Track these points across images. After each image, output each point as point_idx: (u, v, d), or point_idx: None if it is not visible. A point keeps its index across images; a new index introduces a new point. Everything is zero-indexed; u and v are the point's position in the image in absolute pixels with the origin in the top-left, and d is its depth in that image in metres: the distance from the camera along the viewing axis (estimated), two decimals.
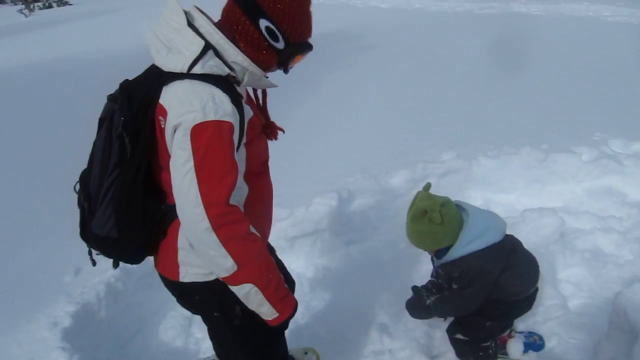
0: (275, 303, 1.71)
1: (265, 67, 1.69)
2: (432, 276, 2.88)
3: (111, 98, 1.70)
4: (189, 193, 1.52)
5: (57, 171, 4.80)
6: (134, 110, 1.60)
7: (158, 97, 1.59)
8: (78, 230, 1.84)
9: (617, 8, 10.90)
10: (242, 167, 1.68)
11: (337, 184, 3.91)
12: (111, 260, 1.93)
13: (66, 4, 30.36)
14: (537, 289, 2.66)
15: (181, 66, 1.53)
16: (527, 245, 3.25)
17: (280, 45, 1.65)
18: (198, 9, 1.65)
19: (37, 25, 16.68)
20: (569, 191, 4.09)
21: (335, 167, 4.15)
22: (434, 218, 2.26)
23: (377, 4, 15.74)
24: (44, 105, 7.12)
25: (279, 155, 4.63)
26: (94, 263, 1.94)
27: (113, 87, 1.71)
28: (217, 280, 1.71)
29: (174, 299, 3.12)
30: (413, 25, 11.45)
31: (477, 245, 2.35)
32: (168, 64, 1.56)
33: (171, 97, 1.56)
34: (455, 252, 2.37)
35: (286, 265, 3.55)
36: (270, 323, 1.75)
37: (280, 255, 3.54)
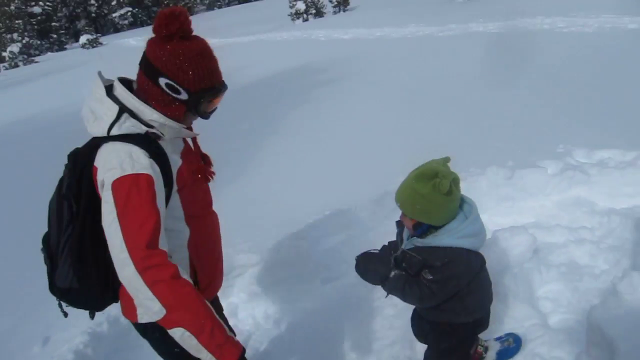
0: (213, 350, 1.71)
1: (178, 119, 1.85)
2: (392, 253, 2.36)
3: (66, 165, 1.87)
4: (115, 240, 1.65)
5: (25, 234, 4.74)
6: (77, 174, 1.79)
7: (93, 160, 1.76)
8: (45, 295, 1.98)
9: (571, 19, 11.18)
10: (178, 212, 1.88)
11: (306, 223, 3.87)
12: (79, 311, 2.03)
13: (32, 61, 30.35)
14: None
15: (102, 131, 1.73)
16: (500, 265, 3.28)
17: (184, 96, 1.81)
18: (124, 79, 1.87)
19: (5, 85, 16.62)
20: (539, 206, 4.09)
21: (304, 206, 4.11)
22: (442, 185, 2.00)
23: (339, 35, 15.95)
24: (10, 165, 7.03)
25: (245, 197, 4.63)
26: (65, 314, 2.05)
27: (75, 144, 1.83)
28: (154, 324, 1.75)
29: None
30: (375, 54, 11.62)
31: (471, 244, 2.13)
32: (94, 130, 1.77)
33: (98, 158, 1.75)
34: (447, 240, 2.10)
35: (263, 311, 3.53)
36: None
37: (255, 302, 3.52)
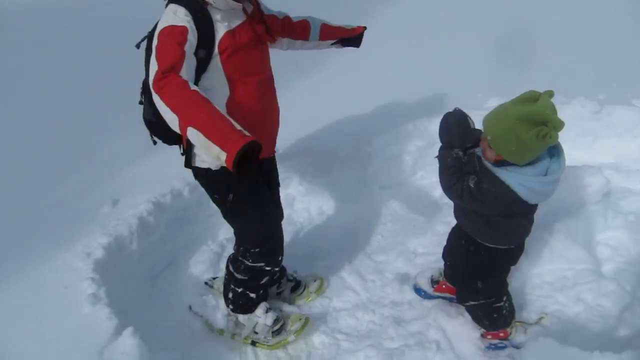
0: (219, 141, 1.79)
1: None
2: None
3: None
4: (152, 62, 1.97)
5: (93, 111, 4.95)
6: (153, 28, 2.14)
7: None
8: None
9: None
10: (219, 74, 2.15)
11: (372, 128, 3.82)
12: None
13: None
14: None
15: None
16: (565, 203, 3.16)
17: None
18: None
19: None
20: (622, 147, 3.84)
21: (370, 114, 4.03)
22: (551, 137, 1.84)
23: None
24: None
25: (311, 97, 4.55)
26: (154, 142, 2.52)
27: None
28: (215, 171, 2.28)
29: (204, 233, 3.25)
30: None
31: (527, 196, 2.01)
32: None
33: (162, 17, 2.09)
34: (511, 179, 1.99)
35: (318, 207, 3.62)
36: (228, 167, 1.78)
37: (311, 195, 3.60)
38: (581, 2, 6.38)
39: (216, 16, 2.08)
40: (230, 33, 2.12)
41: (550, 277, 2.88)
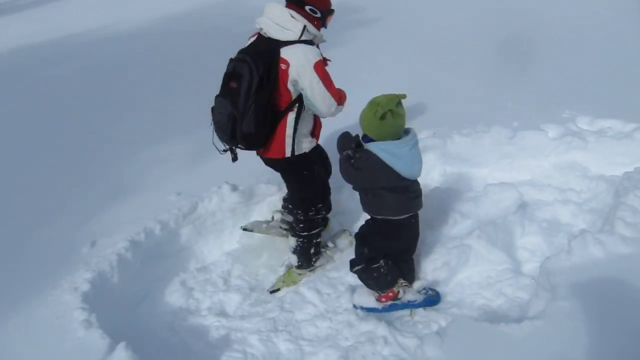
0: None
1: (318, 29, 3.14)
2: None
3: (237, 59, 3.04)
4: (323, 93, 3.03)
5: (75, 151, 5.35)
6: (268, 62, 2.96)
7: (279, 53, 2.96)
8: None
9: None
10: None
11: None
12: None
13: None
14: (413, 221, 3.15)
15: (294, 37, 2.97)
16: (487, 215, 3.71)
17: (318, 15, 3.09)
18: (286, 5, 3.09)
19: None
20: (536, 166, 4.44)
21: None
22: (377, 113, 2.73)
23: None
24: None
25: None
26: (235, 159, 3.33)
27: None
28: (303, 154, 3.30)
29: (176, 266, 3.66)
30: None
31: (390, 161, 2.79)
32: (285, 37, 2.98)
33: (291, 52, 2.96)
34: (372, 147, 2.83)
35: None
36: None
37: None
38: (485, 39, 7.20)
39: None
40: None
41: (477, 278, 3.40)
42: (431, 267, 3.43)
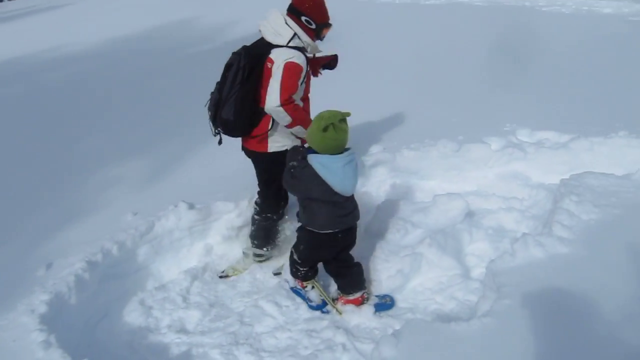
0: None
1: (312, 40, 3.38)
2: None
3: (236, 52, 3.34)
4: (275, 88, 3.19)
5: (25, 174, 5.27)
6: (256, 58, 3.30)
7: (269, 53, 3.30)
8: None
9: None
10: (301, 93, 3.40)
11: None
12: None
13: None
14: (340, 236, 3.28)
15: (283, 42, 3.27)
16: (437, 224, 3.89)
17: (313, 26, 3.34)
18: (286, 13, 3.37)
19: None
20: (481, 176, 4.71)
21: None
22: (320, 125, 2.93)
23: None
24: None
25: (222, 152, 5.15)
26: (220, 142, 3.63)
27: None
28: (282, 152, 3.44)
29: (134, 286, 3.67)
30: (358, 19, 11.92)
31: (322, 173, 2.98)
32: (276, 41, 3.29)
33: (277, 53, 3.27)
34: (312, 159, 3.01)
35: (236, 252, 4.12)
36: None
37: (227, 243, 4.11)
38: (430, 62, 7.52)
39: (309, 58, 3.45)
40: (309, 72, 3.45)
41: (429, 284, 3.56)
42: (385, 275, 3.56)
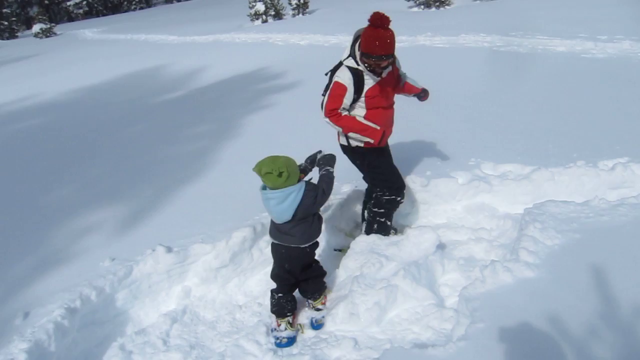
0: (369, 136, 3.97)
1: (361, 63, 3.82)
2: None
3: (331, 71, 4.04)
4: (323, 102, 3.96)
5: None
6: (333, 70, 3.99)
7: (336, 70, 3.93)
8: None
9: (510, 39, 12.12)
10: (362, 106, 3.97)
11: (252, 220, 4.52)
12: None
13: None
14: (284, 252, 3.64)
15: (343, 59, 3.88)
16: (410, 257, 4.02)
17: (359, 52, 3.74)
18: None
19: None
20: (450, 210, 4.89)
21: (250, 205, 4.73)
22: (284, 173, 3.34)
23: (297, 41, 16.60)
24: None
25: (199, 194, 5.23)
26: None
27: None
28: (359, 147, 4.09)
29: (113, 332, 3.70)
30: (326, 61, 12.24)
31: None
32: (342, 57, 3.91)
33: (338, 69, 3.90)
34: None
35: (215, 294, 4.17)
36: (375, 144, 4.03)
37: (205, 285, 4.16)
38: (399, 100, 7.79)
39: (367, 76, 3.84)
40: (375, 85, 3.90)
41: (406, 315, 3.66)
42: (363, 308, 3.65)
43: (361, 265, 3.99)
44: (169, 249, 4.25)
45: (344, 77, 3.80)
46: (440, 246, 4.22)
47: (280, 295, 3.71)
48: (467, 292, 3.09)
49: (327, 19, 20.23)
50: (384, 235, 4.35)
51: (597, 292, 2.88)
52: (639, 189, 4.54)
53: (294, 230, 3.54)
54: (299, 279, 3.80)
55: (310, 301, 3.90)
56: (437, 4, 20.08)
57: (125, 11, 56.84)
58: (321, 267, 3.93)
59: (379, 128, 3.96)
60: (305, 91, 9.62)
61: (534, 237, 3.54)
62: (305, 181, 3.54)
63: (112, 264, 4.17)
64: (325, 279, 3.97)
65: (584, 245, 3.40)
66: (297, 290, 3.88)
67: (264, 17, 25.02)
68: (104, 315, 3.90)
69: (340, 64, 3.90)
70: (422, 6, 20.41)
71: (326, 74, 4.06)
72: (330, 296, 4.00)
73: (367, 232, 4.41)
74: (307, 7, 25.66)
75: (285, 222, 3.49)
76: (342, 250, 4.53)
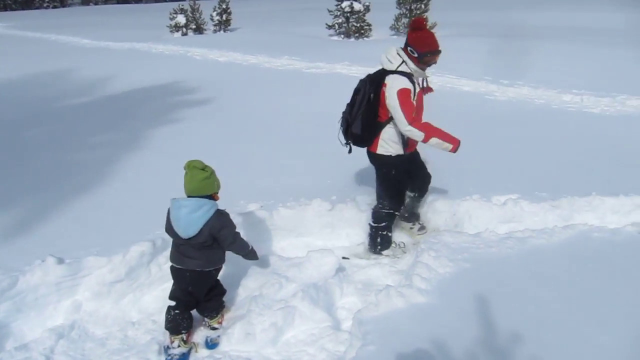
0: (449, 141, 4.14)
1: (417, 66, 4.10)
2: None
3: (362, 80, 4.28)
4: (399, 115, 4.01)
5: None
6: (376, 84, 4.15)
7: (384, 79, 4.11)
8: None
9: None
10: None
11: (153, 234, 4.40)
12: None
13: None
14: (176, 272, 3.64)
15: (394, 68, 4.08)
16: (310, 279, 4.07)
17: (416, 55, 4.07)
18: (401, 48, 4.19)
19: None
20: (353, 234, 5.01)
21: (151, 218, 4.61)
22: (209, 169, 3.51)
23: (215, 57, 16.50)
24: None
25: (97, 205, 5.05)
26: (350, 151, 4.55)
27: None
28: (389, 156, 4.34)
29: None
30: (244, 82, 12.32)
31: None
32: (389, 67, 4.11)
33: (390, 79, 4.07)
34: None
35: (108, 309, 4.00)
36: (453, 150, 4.18)
37: (97, 300, 3.99)
38: (301, 118, 7.95)
39: (415, 82, 4.13)
40: (420, 91, 4.20)
41: (302, 336, 3.68)
42: (260, 329, 3.63)
43: (261, 285, 3.99)
44: (61, 260, 4.04)
45: (404, 81, 4.01)
46: (340, 269, 4.31)
47: (177, 312, 3.63)
48: (360, 315, 3.17)
49: (248, 39, 20.26)
50: (387, 247, 4.72)
51: (481, 319, 3.06)
52: (526, 224, 4.88)
53: (198, 254, 3.52)
54: (201, 300, 3.75)
55: (206, 319, 3.84)
56: (357, 34, 20.71)
57: (37, 8, 54.09)
58: (221, 285, 3.89)
59: (457, 137, 4.15)
60: (217, 108, 9.59)
61: (427, 264, 3.71)
62: (220, 209, 3.56)
63: None
64: (224, 298, 3.93)
65: (472, 274, 3.61)
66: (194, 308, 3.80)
67: (184, 29, 24.75)
68: None
69: (381, 74, 4.15)
70: (342, 35, 20.97)
71: (358, 90, 4.27)
72: (228, 315, 3.96)
73: (373, 249, 4.73)
74: (230, 25, 25.67)
75: (188, 240, 3.44)
76: (348, 259, 4.72)
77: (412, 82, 4.08)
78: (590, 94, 10.04)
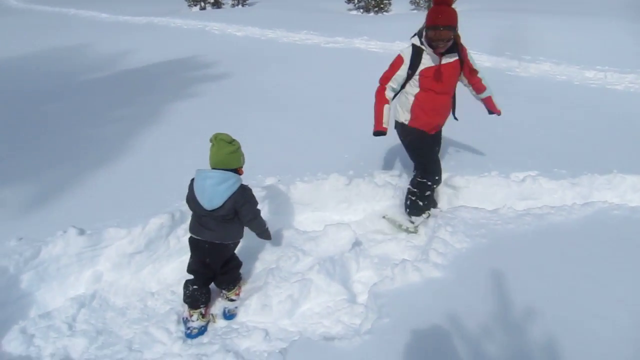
0: (374, 122, 4.17)
1: (425, 42, 3.98)
2: None
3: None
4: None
5: None
6: None
7: None
8: None
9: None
10: (415, 84, 4.14)
11: (172, 207, 4.45)
12: None
13: None
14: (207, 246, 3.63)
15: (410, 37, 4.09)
16: (326, 253, 4.09)
17: (424, 30, 3.94)
18: None
19: None
20: (370, 209, 5.02)
21: (170, 191, 4.67)
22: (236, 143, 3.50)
23: (233, 31, 16.42)
24: None
25: (117, 178, 5.11)
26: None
27: None
28: (400, 123, 4.38)
29: (16, 314, 3.76)
30: (262, 57, 12.26)
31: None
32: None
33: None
34: None
35: (128, 279, 4.08)
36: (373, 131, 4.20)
37: (117, 270, 4.06)
38: (334, 101, 7.91)
39: (427, 56, 4.00)
40: (431, 67, 4.01)
41: (318, 309, 3.73)
42: (276, 300, 3.69)
43: (277, 258, 4.04)
44: (82, 232, 4.12)
45: (405, 51, 4.05)
46: (357, 243, 4.33)
47: (195, 287, 3.68)
48: (376, 289, 3.20)
49: (266, 13, 20.11)
50: (416, 214, 4.68)
51: (496, 294, 3.07)
52: (544, 201, 4.84)
53: (219, 226, 3.54)
54: (218, 273, 3.80)
55: (224, 292, 3.90)
56: (376, 9, 20.45)
57: None
58: (237, 257, 3.94)
59: (385, 126, 4.13)
60: (235, 83, 9.56)
61: (444, 239, 3.71)
62: (244, 184, 3.57)
63: (19, 244, 4.00)
64: (241, 270, 3.98)
65: (489, 250, 3.60)
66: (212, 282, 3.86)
67: (202, 4, 24.65)
68: (6, 297, 3.72)
69: None
70: (361, 10, 20.73)
71: None
72: (245, 287, 4.02)
73: (405, 208, 4.76)
74: None
75: (211, 212, 3.47)
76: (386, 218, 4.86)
77: (416, 55, 4.00)
78: (615, 70, 9.84)
